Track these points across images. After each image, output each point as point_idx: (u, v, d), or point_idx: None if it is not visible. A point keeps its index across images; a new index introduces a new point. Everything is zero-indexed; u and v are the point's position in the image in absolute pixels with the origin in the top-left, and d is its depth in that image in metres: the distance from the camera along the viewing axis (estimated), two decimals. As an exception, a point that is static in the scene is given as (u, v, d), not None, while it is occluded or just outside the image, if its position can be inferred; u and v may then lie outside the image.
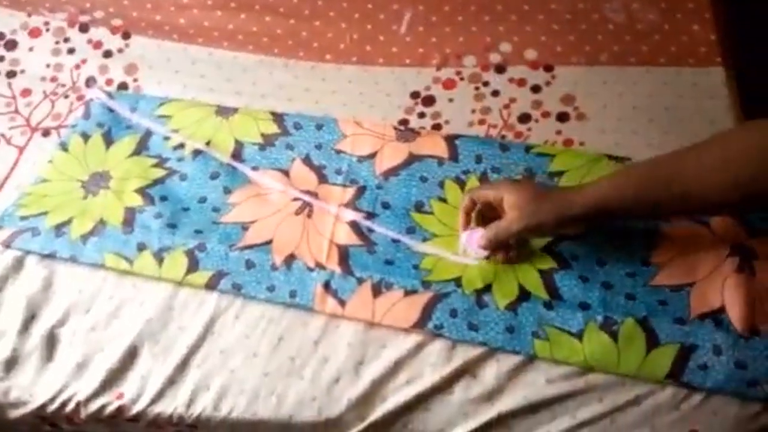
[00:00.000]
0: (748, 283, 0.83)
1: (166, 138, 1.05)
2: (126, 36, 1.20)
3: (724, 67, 1.08)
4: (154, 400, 0.83)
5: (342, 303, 0.86)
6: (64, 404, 0.84)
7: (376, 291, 0.87)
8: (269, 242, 0.92)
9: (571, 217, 0.82)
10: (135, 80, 1.14)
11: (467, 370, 0.82)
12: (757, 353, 0.78)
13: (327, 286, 0.88)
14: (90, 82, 1.14)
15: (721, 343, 0.79)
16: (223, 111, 1.07)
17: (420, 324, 0.84)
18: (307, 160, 1.01)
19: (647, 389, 0.79)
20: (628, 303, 0.84)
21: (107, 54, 1.18)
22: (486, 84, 1.09)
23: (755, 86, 1.14)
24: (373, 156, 1.00)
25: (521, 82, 1.09)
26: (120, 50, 1.18)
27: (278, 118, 1.06)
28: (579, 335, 0.81)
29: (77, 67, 1.16)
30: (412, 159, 0.99)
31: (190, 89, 1.12)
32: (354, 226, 0.93)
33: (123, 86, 1.14)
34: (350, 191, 0.97)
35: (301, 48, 1.16)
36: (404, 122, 1.06)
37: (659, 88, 1.06)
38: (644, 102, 1.05)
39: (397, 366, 0.82)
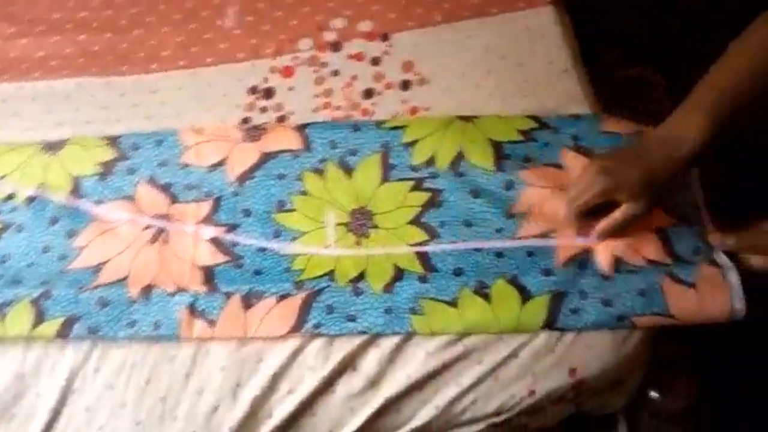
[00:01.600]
0: (609, 220, 0.86)
1: None
2: None
3: (552, 5, 1.10)
4: None
5: (211, 323, 0.82)
6: None
7: (247, 303, 0.83)
8: (124, 278, 0.86)
9: (687, 154, 0.76)
10: (-62, 131, 1.03)
11: (347, 364, 0.81)
12: (620, 289, 0.82)
13: (192, 308, 0.83)
14: None
15: (587, 286, 0.82)
16: (50, 147, 0.98)
17: (297, 327, 0.81)
18: (152, 182, 0.94)
19: (522, 340, 0.81)
20: (498, 261, 0.85)
21: None
22: (324, 65, 1.06)
23: (587, 18, 1.17)
24: (222, 163, 0.95)
25: (360, 57, 1.06)
26: None
27: (113, 141, 0.98)
28: (454, 303, 0.82)
29: None
30: (265, 158, 0.94)
31: (5, 131, 1.01)
32: (215, 242, 0.89)
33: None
34: (206, 206, 0.92)
35: (122, 62, 1.08)
36: (247, 120, 1.01)
37: (494, 38, 1.07)
38: (481, 54, 1.06)
39: (276, 378, 0.80)
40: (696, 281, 0.81)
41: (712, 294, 0.81)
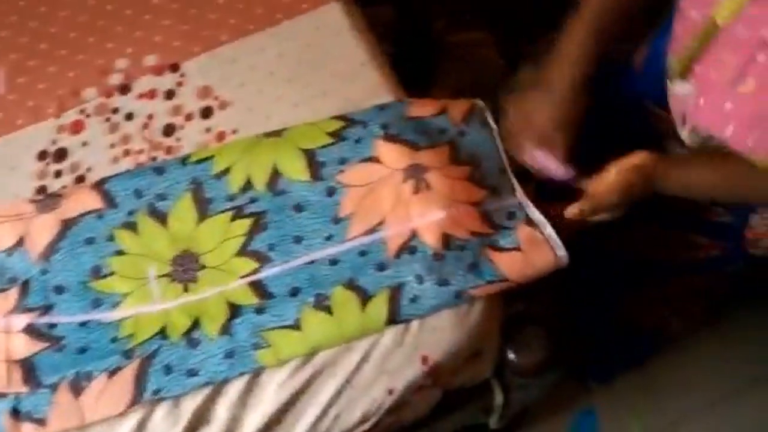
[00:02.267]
0: (429, 199, 0.87)
1: None
2: None
3: (337, 1, 1.08)
4: None
5: (42, 422, 0.76)
6: None
7: (76, 390, 0.78)
8: None
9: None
10: None
11: (199, 421, 0.77)
12: (453, 266, 0.83)
13: (15, 413, 0.77)
14: None
15: (421, 270, 0.82)
16: None
17: (136, 399, 0.77)
18: (-53, 283, 0.85)
19: (370, 342, 0.81)
20: (333, 269, 0.83)
21: None
22: (116, 111, 1.00)
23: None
24: (21, 243, 0.87)
25: (152, 94, 1.01)
26: None
27: None
28: (297, 325, 0.80)
29: None
30: (67, 226, 0.88)
31: None
32: (30, 330, 0.82)
33: None
34: (12, 293, 0.84)
35: None
36: (43, 189, 0.94)
37: (285, 46, 1.05)
38: (277, 65, 1.04)
39: None
40: (518, 244, 0.84)
41: (535, 250, 0.84)
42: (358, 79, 1.01)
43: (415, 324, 0.81)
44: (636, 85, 0.98)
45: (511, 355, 0.90)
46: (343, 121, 0.94)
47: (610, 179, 0.80)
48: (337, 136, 0.93)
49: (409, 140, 0.92)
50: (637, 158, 0.80)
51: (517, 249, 0.84)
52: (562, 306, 1.05)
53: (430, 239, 0.84)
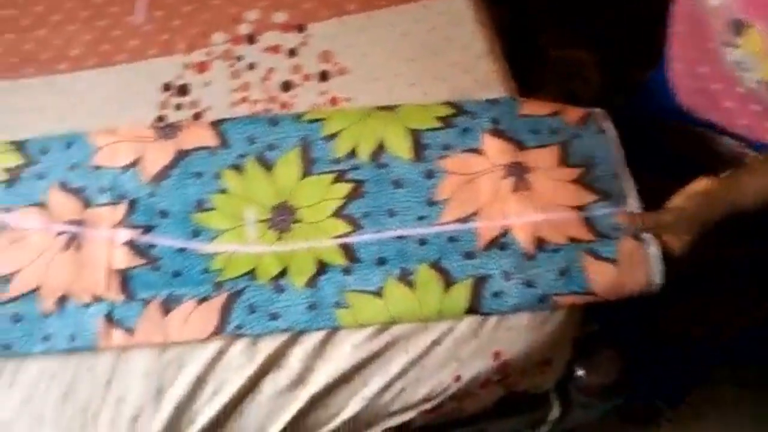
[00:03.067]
0: (527, 199, 0.87)
1: None
2: None
3: (464, -10, 1.10)
4: None
5: (130, 331, 0.80)
6: None
7: (165, 309, 0.82)
8: (37, 289, 0.83)
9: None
10: None
11: (272, 363, 0.80)
12: (542, 269, 0.83)
13: (109, 317, 0.81)
14: None
15: (509, 267, 0.83)
16: None
17: (219, 329, 0.80)
18: (63, 186, 0.91)
19: (446, 327, 0.82)
20: (421, 248, 0.85)
21: None
22: (240, 58, 1.04)
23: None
24: (136, 163, 0.92)
25: (276, 49, 1.05)
26: None
27: (20, 146, 0.94)
28: (379, 293, 0.82)
29: None
30: (181, 156, 0.92)
31: None
32: (131, 245, 0.86)
33: None
34: (121, 208, 0.89)
35: (27, 64, 1.03)
36: (162, 119, 0.98)
37: (411, 26, 1.07)
38: (400, 43, 1.06)
39: (199, 381, 0.79)
40: (617, 257, 0.83)
41: (631, 269, 0.83)
42: (474, 70, 1.02)
43: (493, 319, 0.82)
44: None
45: (581, 372, 0.90)
46: (454, 108, 0.95)
47: (676, 209, 0.79)
48: (446, 122, 0.94)
49: (516, 138, 0.92)
50: (701, 184, 0.79)
51: (614, 262, 0.83)
52: (636, 330, 1.04)
53: (523, 239, 0.85)
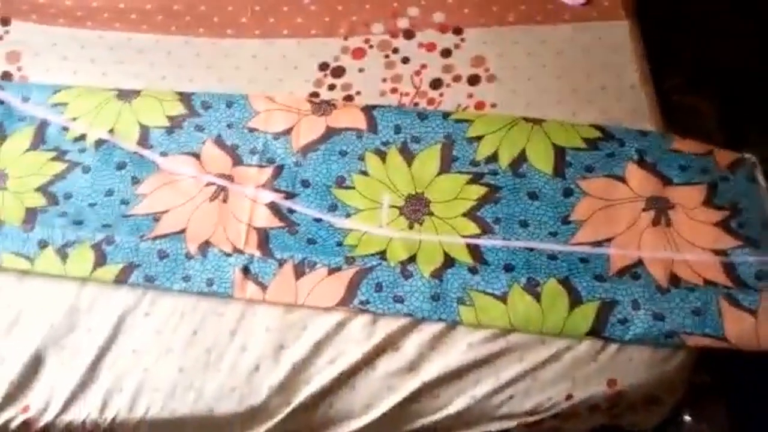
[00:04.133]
0: (665, 236, 0.86)
1: (65, 128, 0.98)
2: (5, 22, 1.10)
3: (627, 20, 1.09)
4: (63, 409, 0.80)
5: (263, 287, 0.84)
6: None
7: (299, 272, 0.85)
8: (183, 231, 0.88)
9: None
10: (19, 69, 1.06)
11: (389, 344, 0.82)
12: (674, 305, 0.81)
13: (246, 270, 0.85)
14: (-32, 73, 1.05)
15: (640, 297, 0.82)
16: (124, 95, 1.00)
17: (346, 301, 0.83)
18: (219, 141, 0.96)
19: (565, 344, 0.81)
20: (550, 263, 0.85)
21: (-16, 42, 1.08)
22: (396, 51, 1.07)
23: (658, 40, 1.17)
24: (288, 132, 0.96)
25: (431, 47, 1.07)
26: (-1, 37, 1.09)
27: (185, 98, 1.00)
28: (503, 298, 0.82)
29: (-51, 56, 1.07)
30: (330, 132, 0.96)
31: (82, 75, 1.04)
32: (273, 207, 0.90)
33: (6, 76, 1.05)
34: (267, 171, 0.93)
35: (200, 24, 1.10)
36: (314, 95, 1.02)
37: (566, 45, 1.07)
38: (553, 60, 1.06)
39: (318, 347, 0.81)
40: (757, 308, 0.80)
41: None
42: (625, 99, 1.01)
43: (614, 346, 0.81)
44: None
45: (688, 418, 0.87)
46: (601, 132, 0.95)
47: None
48: (592, 144, 0.94)
49: (663, 173, 0.91)
50: None
51: (753, 312, 0.80)
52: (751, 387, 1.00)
53: (657, 273, 0.83)
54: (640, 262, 0.84)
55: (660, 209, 0.88)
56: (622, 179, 0.91)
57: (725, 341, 0.79)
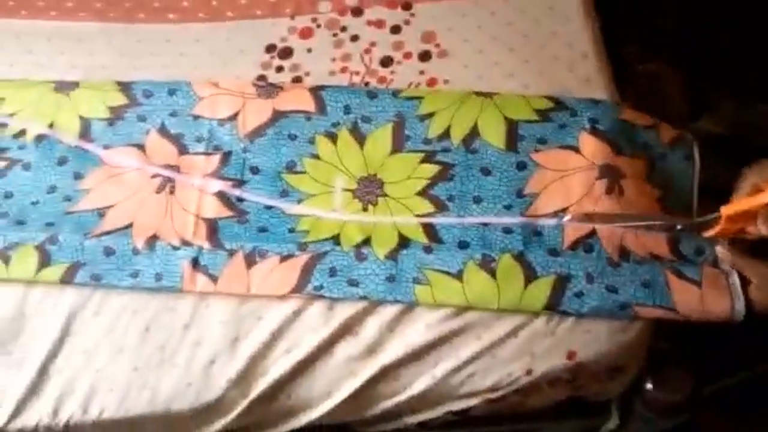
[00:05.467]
0: (618, 205, 0.85)
1: (3, 125, 0.95)
2: (-67, 13, 1.06)
3: (577, -13, 1.08)
4: (13, 416, 0.78)
5: (213, 279, 0.82)
6: None
7: (250, 261, 0.83)
8: (129, 226, 0.86)
9: None
10: (-49, 63, 1.02)
11: (347, 329, 0.81)
12: (626, 277, 0.81)
13: (195, 263, 0.83)
14: None
15: (593, 270, 0.81)
16: (63, 86, 0.97)
17: (299, 288, 0.81)
18: (163, 131, 0.93)
19: (522, 320, 0.81)
20: (505, 238, 0.84)
21: None
22: (344, 29, 1.05)
23: (612, 6, 1.15)
24: (234, 117, 0.94)
25: (380, 24, 1.05)
26: (-74, 30, 1.05)
27: (125, 87, 0.97)
28: (459, 276, 0.81)
29: None
30: (278, 116, 0.93)
31: (19, 67, 1.01)
32: (221, 196, 0.88)
33: (-64, 71, 1.01)
34: (214, 159, 0.91)
35: (140, 10, 1.07)
36: (262, 78, 1.00)
37: (517, 16, 1.06)
38: (503, 31, 1.04)
39: (274, 336, 0.80)
40: (701, 280, 0.81)
41: (715, 294, 0.80)
42: (577, 68, 1.00)
43: (570, 319, 0.81)
44: None
45: (649, 386, 0.88)
46: (553, 102, 0.94)
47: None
48: (544, 115, 0.93)
49: (614, 141, 0.90)
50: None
51: (697, 284, 0.80)
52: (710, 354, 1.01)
53: (609, 246, 0.83)
54: (593, 233, 0.84)
55: (613, 177, 0.87)
56: (575, 149, 0.90)
57: (674, 312, 0.79)
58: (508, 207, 0.87)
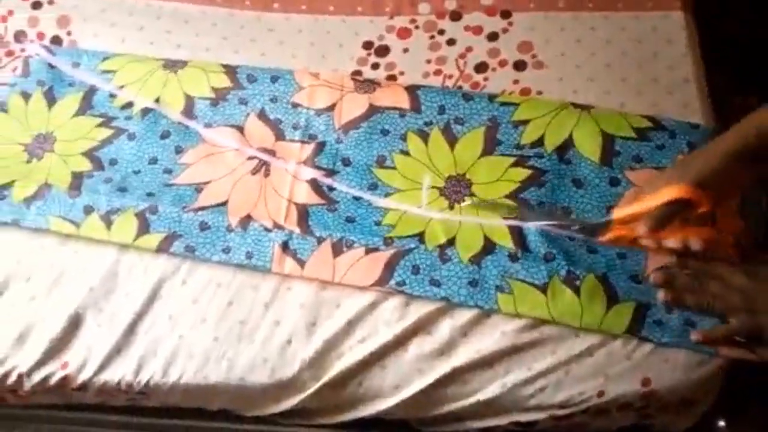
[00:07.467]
0: (711, 232, 0.83)
1: (113, 96, 0.99)
2: (57, -14, 1.12)
3: (683, 11, 1.06)
4: (100, 369, 0.82)
5: (301, 263, 0.84)
6: (5, 376, 0.82)
7: (337, 250, 0.85)
8: (224, 203, 0.89)
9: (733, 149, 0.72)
10: (69, 33, 1.07)
11: (422, 327, 0.81)
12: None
13: (285, 246, 0.85)
14: (20, 36, 1.06)
15: None
16: (171, 65, 1.01)
17: (382, 282, 0.82)
18: (262, 115, 0.96)
19: (599, 340, 0.80)
20: (589, 257, 0.84)
21: (36, 5, 1.10)
22: (441, 32, 1.05)
23: (714, 31, 1.13)
24: (331, 108, 0.96)
25: (477, 30, 1.06)
26: (50, 1, 1.10)
27: (230, 70, 1.00)
28: (543, 289, 0.81)
29: (3, 19, 1.08)
30: (373, 111, 0.95)
31: (129, 42, 1.05)
32: (313, 184, 0.90)
33: (56, 40, 1.06)
34: (309, 148, 0.93)
35: (245, -3, 1.10)
36: (357, 73, 1.02)
37: (617, 34, 1.05)
38: (602, 48, 1.03)
39: (351, 325, 0.82)
40: None
41: None
42: (677, 92, 0.98)
43: (648, 346, 0.79)
44: None
45: (722, 423, 0.86)
46: (652, 123, 0.93)
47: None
48: (642, 134, 0.91)
49: None
50: None
51: None
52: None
53: None
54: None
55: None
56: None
57: (754, 353, 0.77)
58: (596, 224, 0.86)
